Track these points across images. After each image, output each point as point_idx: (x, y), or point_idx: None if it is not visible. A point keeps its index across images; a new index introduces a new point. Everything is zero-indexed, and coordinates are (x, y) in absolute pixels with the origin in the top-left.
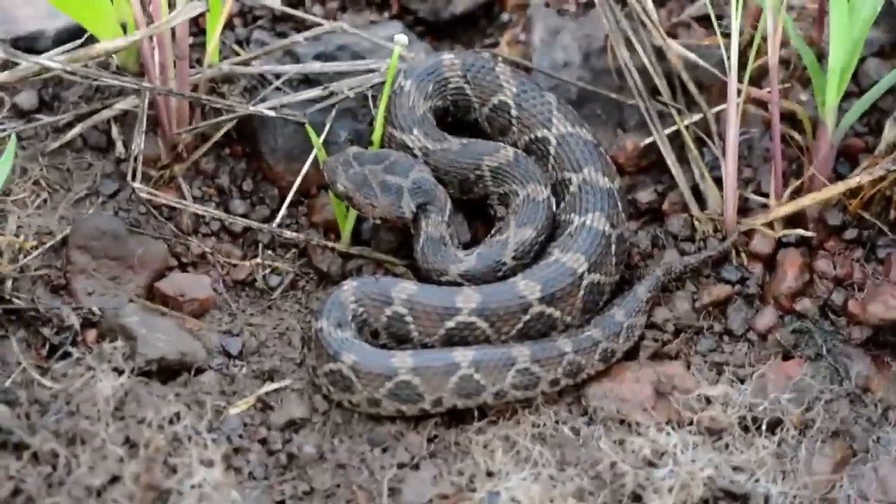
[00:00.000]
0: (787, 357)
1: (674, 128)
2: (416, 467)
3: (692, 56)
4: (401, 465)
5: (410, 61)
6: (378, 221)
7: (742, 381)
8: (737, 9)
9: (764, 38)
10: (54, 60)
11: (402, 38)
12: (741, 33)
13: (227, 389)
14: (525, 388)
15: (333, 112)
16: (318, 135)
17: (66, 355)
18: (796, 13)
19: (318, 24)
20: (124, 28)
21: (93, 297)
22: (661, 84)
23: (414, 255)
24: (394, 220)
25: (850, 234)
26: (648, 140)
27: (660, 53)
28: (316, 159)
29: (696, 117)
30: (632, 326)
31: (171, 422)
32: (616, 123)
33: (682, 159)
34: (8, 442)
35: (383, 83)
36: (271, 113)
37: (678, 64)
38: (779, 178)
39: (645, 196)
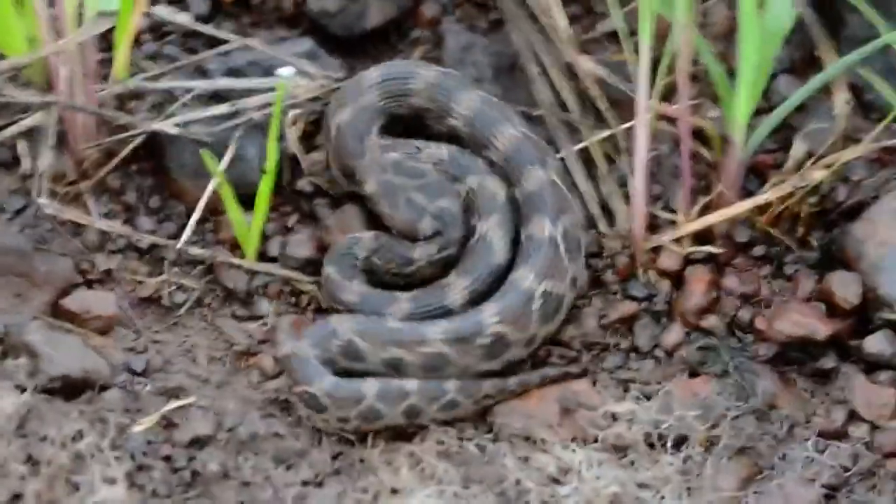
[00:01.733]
0: (693, 374)
1: (583, 144)
2: (321, 484)
3: (602, 72)
4: (305, 483)
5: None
6: (394, 231)
7: (648, 398)
8: (646, 25)
9: (673, 55)
10: None
11: (286, 71)
12: (651, 49)
13: (132, 407)
14: None
15: (240, 130)
16: (225, 152)
17: None
18: (707, 29)
19: (228, 41)
20: (31, 42)
21: None
22: (571, 100)
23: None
24: (408, 234)
25: (758, 251)
26: (559, 156)
27: (570, 70)
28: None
29: (606, 133)
30: None
31: (73, 439)
32: None
33: (592, 176)
34: None
35: (292, 105)
36: (174, 131)
37: (588, 80)
38: (687, 194)
39: None
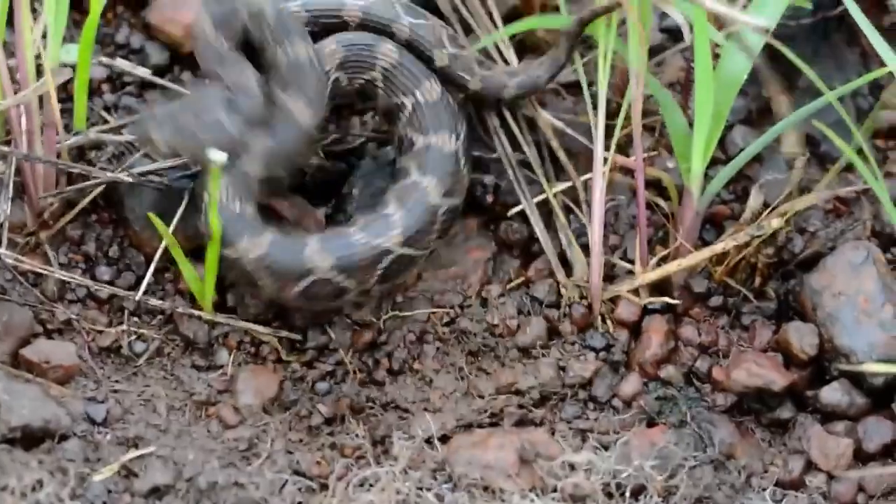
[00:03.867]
0: (651, 424)
1: (542, 196)
2: None
3: (560, 124)
4: None
5: None
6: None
7: (606, 448)
8: (603, 76)
9: (631, 106)
10: None
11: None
12: (609, 101)
13: (92, 456)
14: None
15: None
16: (183, 198)
17: None
18: (663, 80)
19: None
20: None
21: None
22: (531, 153)
23: None
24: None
25: (716, 301)
26: (517, 209)
27: (530, 122)
28: (182, 222)
29: (566, 185)
30: None
31: (33, 489)
32: None
33: (550, 226)
34: None
35: None
36: (129, 179)
37: (549, 132)
38: (644, 245)
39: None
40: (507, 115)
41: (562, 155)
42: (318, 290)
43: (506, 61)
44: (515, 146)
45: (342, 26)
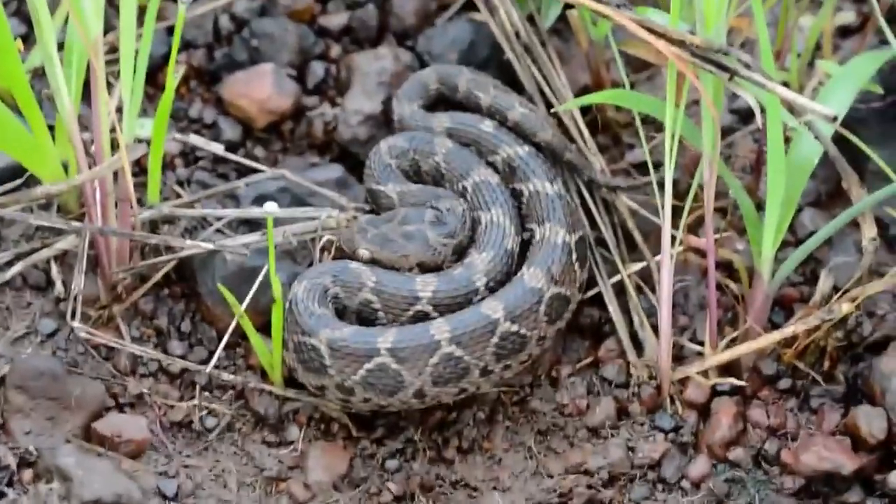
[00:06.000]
0: None
1: (618, 277)
2: None
3: (634, 205)
4: None
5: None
6: (416, 270)
7: None
8: (670, 158)
9: (701, 187)
10: None
11: (271, 206)
12: (678, 182)
13: None
14: None
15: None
16: (257, 276)
17: (2, 495)
18: (734, 162)
19: (260, 171)
20: (65, 167)
21: (30, 437)
22: (608, 234)
23: None
24: (432, 262)
25: (784, 383)
26: (593, 291)
27: (605, 202)
28: (255, 299)
29: (640, 265)
30: None
31: None
32: None
33: (622, 306)
34: None
35: (326, 230)
36: (210, 246)
37: (625, 213)
38: (713, 326)
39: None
40: (586, 194)
41: (637, 235)
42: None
43: (583, 138)
44: (593, 225)
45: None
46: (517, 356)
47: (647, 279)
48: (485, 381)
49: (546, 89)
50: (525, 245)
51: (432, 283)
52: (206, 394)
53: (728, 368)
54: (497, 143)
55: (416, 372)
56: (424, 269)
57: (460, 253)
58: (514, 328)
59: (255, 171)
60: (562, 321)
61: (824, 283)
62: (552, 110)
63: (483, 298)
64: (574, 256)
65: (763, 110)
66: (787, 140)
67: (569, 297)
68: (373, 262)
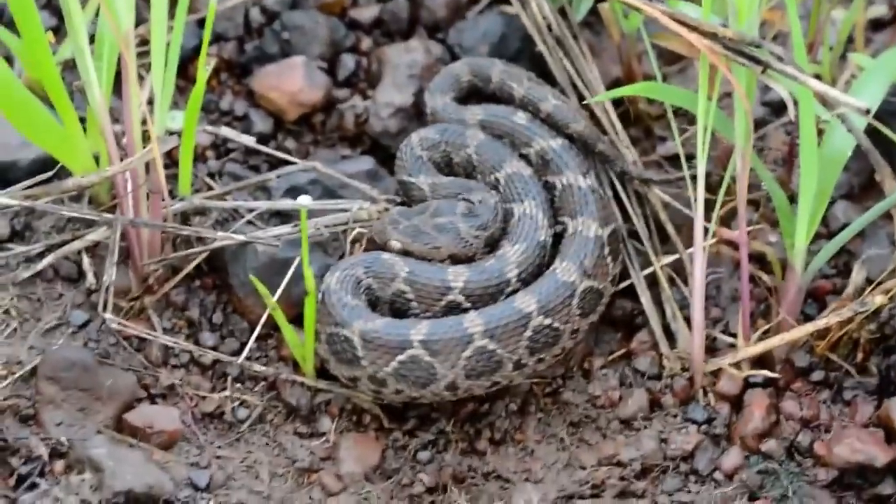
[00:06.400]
0: (752, 498)
1: (650, 269)
2: None
3: (666, 197)
4: None
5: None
6: (448, 262)
7: None
8: (703, 151)
9: (734, 179)
10: (14, 197)
11: (305, 200)
12: (710, 174)
13: None
14: None
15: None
16: (288, 268)
17: (34, 486)
18: (766, 155)
19: (291, 163)
20: (97, 158)
21: (61, 428)
22: (640, 226)
23: None
24: (463, 255)
25: (817, 375)
26: (625, 283)
27: (637, 194)
28: (286, 290)
29: (672, 258)
30: None
31: None
32: None
33: (654, 298)
34: None
35: (357, 222)
36: (243, 237)
37: (658, 205)
38: (746, 318)
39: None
40: (619, 186)
41: (669, 227)
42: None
43: (615, 130)
44: (625, 218)
45: None
46: (550, 349)
47: (679, 271)
48: (518, 374)
49: (578, 82)
50: (557, 238)
51: (464, 274)
52: (238, 385)
53: (761, 360)
54: (531, 135)
55: (449, 365)
56: (456, 260)
57: (492, 245)
58: (548, 322)
59: (287, 163)
60: (595, 314)
61: (857, 276)
62: (584, 102)
63: (515, 290)
64: (606, 250)
65: (796, 103)
66: (819, 132)
67: (601, 290)
68: (404, 253)
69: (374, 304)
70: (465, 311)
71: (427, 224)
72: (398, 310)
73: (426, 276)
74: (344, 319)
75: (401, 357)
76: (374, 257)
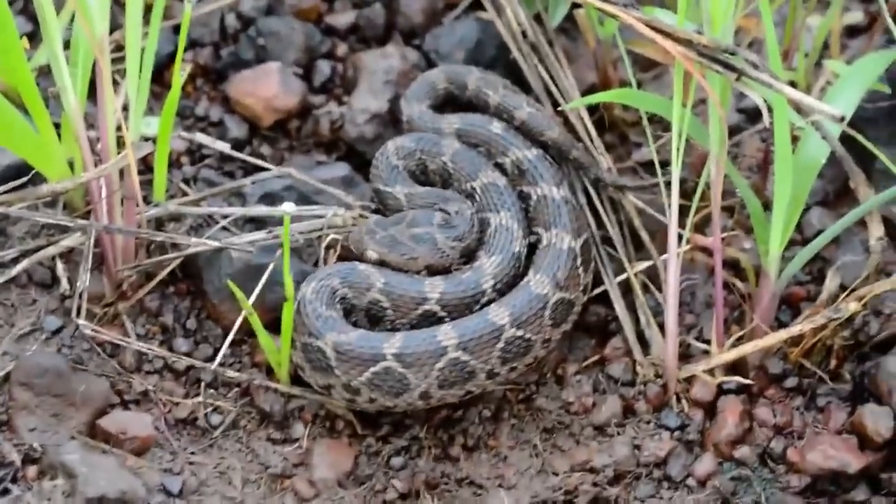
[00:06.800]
0: None
1: (624, 276)
2: None
3: (640, 203)
4: None
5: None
6: (424, 272)
7: None
8: (677, 157)
9: (708, 186)
10: None
11: (289, 207)
12: (684, 180)
13: None
14: None
15: (275, 255)
16: (262, 274)
17: (6, 492)
18: (741, 161)
19: (266, 169)
20: (71, 164)
21: (34, 434)
22: (614, 233)
23: None
24: (440, 265)
25: (791, 382)
26: (598, 290)
27: (612, 201)
28: (261, 296)
29: (646, 264)
30: None
31: None
32: None
33: (628, 305)
34: None
35: (332, 228)
36: (217, 243)
37: (632, 212)
38: (720, 325)
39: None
40: (593, 193)
41: (644, 234)
42: None
43: (590, 137)
44: (599, 224)
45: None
46: (523, 359)
47: (653, 278)
48: (490, 383)
49: (553, 88)
50: (531, 247)
51: (440, 286)
52: (212, 391)
53: (734, 367)
54: (507, 145)
55: (423, 376)
56: (432, 271)
57: (468, 255)
58: (520, 333)
59: (262, 169)
60: (567, 324)
61: (831, 282)
62: (559, 108)
63: (490, 300)
64: (579, 261)
65: (770, 110)
66: (794, 139)
67: (573, 300)
68: (381, 263)
69: (349, 312)
70: (441, 320)
71: (404, 234)
72: (374, 317)
73: (402, 287)
74: (318, 331)
75: (374, 368)
76: (351, 268)
